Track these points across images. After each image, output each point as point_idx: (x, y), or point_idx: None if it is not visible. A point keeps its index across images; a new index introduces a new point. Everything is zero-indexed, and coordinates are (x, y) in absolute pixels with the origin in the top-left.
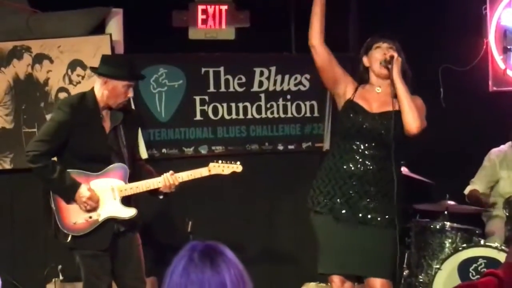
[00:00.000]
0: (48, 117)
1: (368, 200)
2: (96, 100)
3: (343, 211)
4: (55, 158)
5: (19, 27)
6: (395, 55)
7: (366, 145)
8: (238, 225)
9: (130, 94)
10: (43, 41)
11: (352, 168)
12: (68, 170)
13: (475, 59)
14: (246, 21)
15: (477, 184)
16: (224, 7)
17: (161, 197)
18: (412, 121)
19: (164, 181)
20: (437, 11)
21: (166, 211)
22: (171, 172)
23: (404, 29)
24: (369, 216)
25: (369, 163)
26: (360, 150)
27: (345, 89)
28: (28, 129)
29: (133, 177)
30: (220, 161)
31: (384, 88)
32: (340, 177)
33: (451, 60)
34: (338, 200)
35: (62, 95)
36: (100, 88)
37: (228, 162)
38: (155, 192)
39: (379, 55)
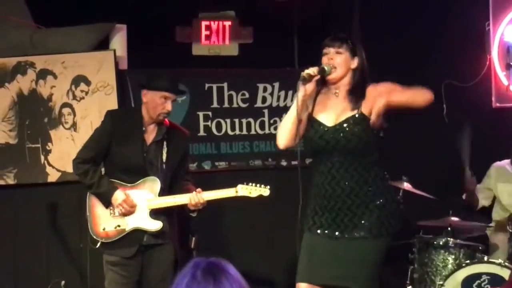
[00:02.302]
0: (51, 132)
1: (352, 214)
2: (141, 113)
3: (328, 228)
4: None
5: (23, 43)
6: (311, 71)
7: (338, 160)
8: (241, 241)
9: (168, 107)
10: (47, 56)
11: (331, 186)
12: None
13: (478, 75)
14: (249, 37)
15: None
16: (227, 23)
17: (193, 214)
18: (421, 103)
19: (190, 199)
20: (440, 27)
21: None
22: (198, 189)
23: (407, 44)
24: (355, 230)
25: (346, 177)
26: (334, 166)
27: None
28: (32, 145)
29: (170, 193)
30: (249, 184)
31: (342, 92)
32: (323, 196)
33: (454, 76)
34: (324, 218)
35: (66, 111)
36: (142, 100)
37: (256, 185)
38: (188, 209)
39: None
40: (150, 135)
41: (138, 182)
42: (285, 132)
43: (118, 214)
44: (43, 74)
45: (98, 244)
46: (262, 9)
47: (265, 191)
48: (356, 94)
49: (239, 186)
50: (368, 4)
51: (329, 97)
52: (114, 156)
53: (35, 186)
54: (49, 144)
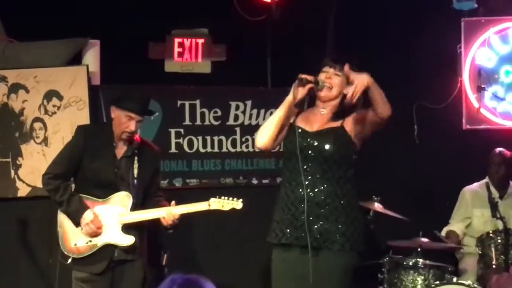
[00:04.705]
0: (22, 147)
1: (321, 223)
2: (112, 128)
3: (296, 238)
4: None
5: None
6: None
7: (311, 166)
8: (212, 257)
9: (132, 127)
10: (19, 70)
11: (302, 193)
12: (79, 195)
13: (449, 97)
14: (222, 54)
15: (454, 225)
16: (200, 41)
17: (170, 231)
18: (383, 109)
19: (167, 213)
20: (412, 48)
21: None
22: (173, 202)
23: (379, 65)
24: (322, 240)
25: (317, 185)
26: (306, 173)
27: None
28: (2, 159)
29: (142, 208)
30: (222, 197)
31: (327, 111)
32: (291, 204)
33: (425, 98)
34: (291, 227)
35: (37, 125)
36: (111, 116)
37: (228, 198)
38: (164, 227)
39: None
40: (121, 150)
41: (109, 197)
42: (265, 132)
43: (85, 234)
44: (15, 88)
45: (69, 260)
46: (235, 27)
47: (237, 204)
48: (342, 114)
49: (212, 200)
50: (341, 24)
51: (314, 113)
52: (85, 171)
53: (5, 201)
54: (20, 158)
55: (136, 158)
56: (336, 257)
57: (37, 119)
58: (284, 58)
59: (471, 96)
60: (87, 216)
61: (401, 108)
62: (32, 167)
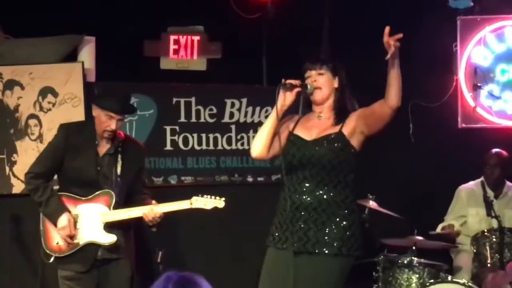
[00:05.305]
0: (17, 143)
1: (318, 228)
2: (94, 126)
3: (292, 243)
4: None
5: None
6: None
7: (310, 173)
8: (206, 256)
9: (112, 126)
10: (15, 67)
11: (300, 198)
12: (60, 193)
13: (445, 96)
14: (218, 52)
15: (448, 222)
16: (196, 38)
17: (153, 229)
18: (395, 96)
19: (145, 213)
20: (408, 47)
21: (135, 240)
22: (154, 202)
23: (375, 63)
24: (317, 245)
25: (315, 191)
26: (306, 179)
27: (289, 129)
28: None
29: (126, 207)
30: (204, 196)
31: (325, 113)
32: (290, 209)
33: (421, 96)
34: (288, 232)
35: (32, 122)
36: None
37: (211, 197)
38: (147, 224)
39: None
40: (104, 148)
41: (92, 196)
42: (259, 141)
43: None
44: (10, 84)
45: (52, 259)
46: (231, 25)
47: (219, 203)
48: (339, 113)
49: (194, 198)
50: (337, 22)
51: (312, 119)
52: (67, 170)
53: None
54: (15, 155)
55: (119, 155)
56: (333, 262)
57: (32, 116)
58: (279, 56)
59: (467, 94)
60: (61, 221)
61: None
62: (27, 164)
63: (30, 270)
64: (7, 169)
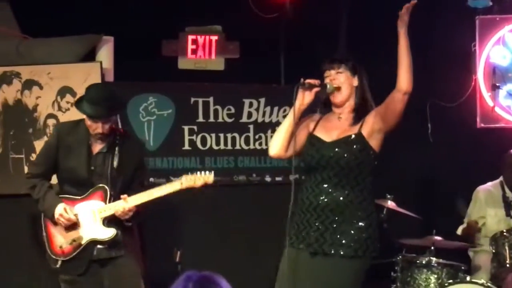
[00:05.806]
0: (36, 143)
1: (333, 230)
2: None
3: (308, 244)
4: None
5: (9, 53)
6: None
7: (328, 174)
8: (224, 255)
9: (99, 130)
10: (33, 67)
11: (318, 199)
12: (60, 196)
13: (464, 96)
14: (235, 52)
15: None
16: (214, 38)
17: (128, 223)
18: (404, 78)
19: (115, 210)
20: (426, 46)
21: (153, 240)
22: (123, 196)
23: (393, 62)
24: (333, 247)
25: (333, 193)
26: (324, 181)
27: (308, 130)
28: (16, 155)
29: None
30: (194, 173)
31: (345, 114)
32: (307, 210)
33: (439, 96)
34: (305, 232)
35: (51, 122)
36: None
37: (201, 173)
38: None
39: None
40: (98, 146)
41: (87, 194)
42: (277, 140)
43: (65, 234)
44: (28, 84)
45: (59, 263)
46: (249, 24)
47: (208, 177)
48: (359, 113)
49: (184, 177)
50: (355, 21)
51: (332, 120)
52: (62, 170)
53: (18, 197)
54: (33, 155)
55: (117, 148)
56: (348, 264)
57: (50, 116)
58: (297, 55)
59: (486, 94)
60: (58, 210)
61: (415, 106)
62: None
63: (48, 270)
64: (26, 168)
